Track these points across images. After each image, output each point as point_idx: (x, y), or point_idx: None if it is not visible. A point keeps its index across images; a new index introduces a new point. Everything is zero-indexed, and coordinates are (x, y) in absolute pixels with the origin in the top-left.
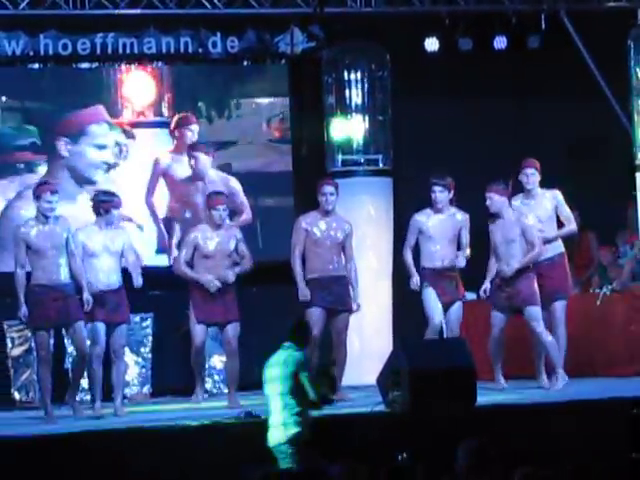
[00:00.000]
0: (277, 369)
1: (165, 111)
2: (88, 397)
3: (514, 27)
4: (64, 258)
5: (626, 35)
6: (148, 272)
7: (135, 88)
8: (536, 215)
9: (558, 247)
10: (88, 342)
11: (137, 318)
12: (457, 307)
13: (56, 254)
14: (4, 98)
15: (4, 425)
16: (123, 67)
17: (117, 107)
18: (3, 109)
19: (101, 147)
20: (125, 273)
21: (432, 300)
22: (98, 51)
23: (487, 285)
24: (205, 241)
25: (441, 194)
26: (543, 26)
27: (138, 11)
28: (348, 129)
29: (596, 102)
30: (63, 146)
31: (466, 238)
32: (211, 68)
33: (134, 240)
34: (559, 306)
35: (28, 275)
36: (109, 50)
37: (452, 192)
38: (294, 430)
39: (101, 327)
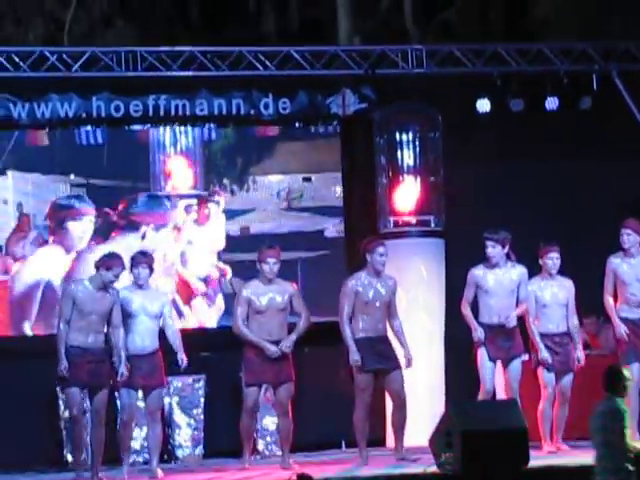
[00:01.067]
0: (598, 420)
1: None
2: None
3: (566, 88)
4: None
5: None
6: (200, 333)
7: (177, 166)
8: (636, 274)
9: None
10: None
11: (190, 379)
12: (516, 364)
13: (98, 320)
14: (72, 176)
15: None
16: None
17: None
18: (72, 185)
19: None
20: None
21: (485, 362)
22: (150, 113)
23: None
24: (258, 297)
25: (493, 249)
26: (595, 87)
27: (190, 73)
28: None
29: None
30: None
31: (525, 292)
32: (234, 149)
33: None
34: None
35: None
36: (161, 112)
37: (507, 247)
38: None
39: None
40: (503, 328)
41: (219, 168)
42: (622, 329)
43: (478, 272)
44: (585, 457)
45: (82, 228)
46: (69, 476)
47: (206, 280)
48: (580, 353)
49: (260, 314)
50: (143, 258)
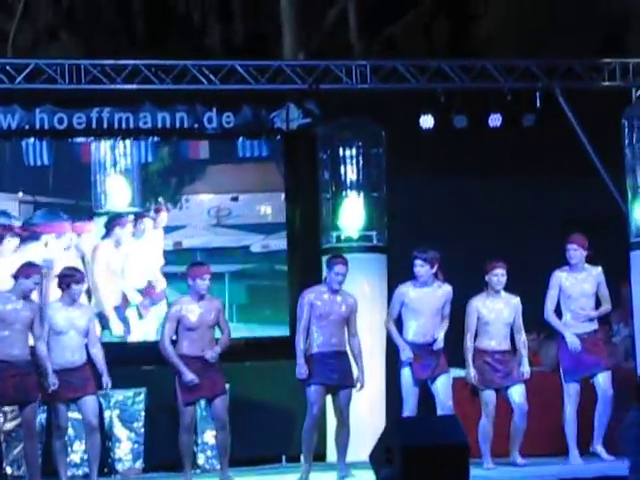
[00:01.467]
0: (632, 429)
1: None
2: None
3: (509, 105)
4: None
5: (620, 114)
6: (140, 347)
7: (116, 185)
8: (582, 289)
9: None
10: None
11: (130, 393)
12: (443, 381)
13: (21, 330)
14: (21, 193)
15: None
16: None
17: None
18: (21, 202)
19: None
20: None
21: (409, 383)
22: (94, 125)
23: None
24: (188, 313)
25: (422, 268)
26: (538, 104)
27: (134, 86)
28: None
29: (591, 180)
30: None
31: (446, 311)
32: (169, 170)
33: None
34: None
35: None
36: (105, 124)
37: (435, 267)
38: None
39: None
40: (428, 347)
41: (155, 187)
42: (576, 343)
43: (405, 289)
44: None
45: None
46: None
47: (143, 292)
48: (527, 368)
49: (192, 331)
50: (78, 275)
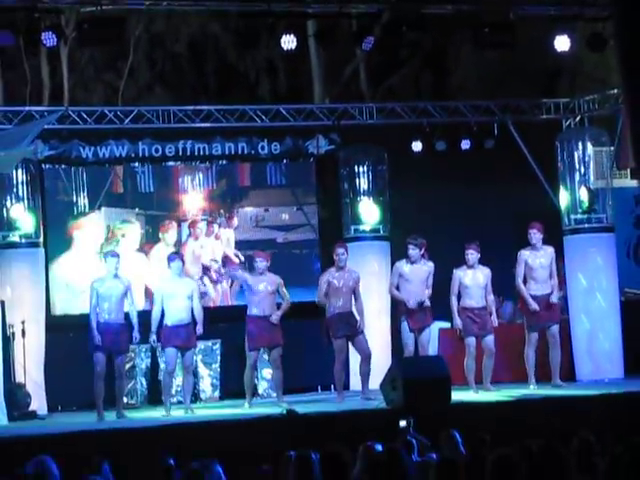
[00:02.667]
0: None
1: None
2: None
3: (475, 133)
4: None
5: (554, 138)
6: (217, 310)
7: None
8: (541, 262)
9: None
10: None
11: (210, 343)
12: (427, 331)
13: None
14: (137, 209)
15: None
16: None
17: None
18: (137, 214)
19: None
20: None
21: (406, 332)
22: (180, 153)
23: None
24: (253, 284)
25: (413, 251)
26: (496, 132)
27: (208, 125)
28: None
29: (535, 186)
30: None
31: (430, 281)
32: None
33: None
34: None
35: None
36: (188, 152)
37: (423, 249)
38: None
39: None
40: (420, 306)
41: (218, 203)
42: (534, 305)
43: (400, 265)
44: (499, 395)
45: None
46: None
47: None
48: (495, 319)
49: (257, 297)
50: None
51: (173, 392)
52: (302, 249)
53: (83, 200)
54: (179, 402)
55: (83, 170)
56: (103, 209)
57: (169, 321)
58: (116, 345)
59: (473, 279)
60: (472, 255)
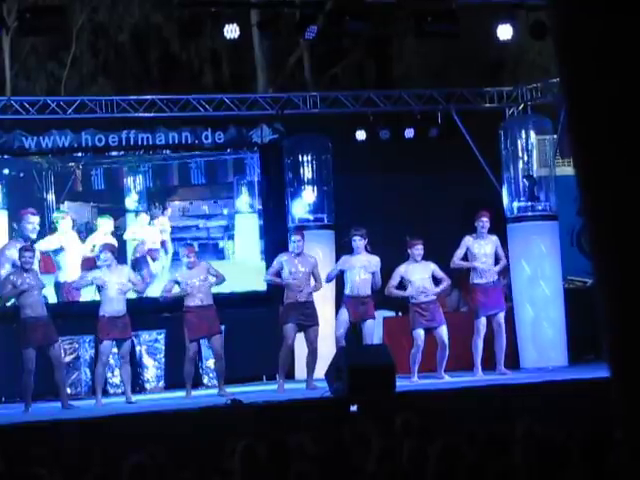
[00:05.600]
0: None
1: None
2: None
3: (419, 122)
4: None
5: (497, 127)
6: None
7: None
8: (485, 251)
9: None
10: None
11: (154, 333)
12: (369, 324)
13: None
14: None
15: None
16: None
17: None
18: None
19: None
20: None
21: (341, 319)
22: (124, 143)
23: None
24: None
25: (358, 242)
26: (439, 121)
27: (151, 114)
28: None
29: (478, 174)
30: None
31: (378, 276)
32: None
33: None
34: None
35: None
36: (131, 142)
37: (366, 240)
38: None
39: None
40: (360, 298)
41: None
42: (476, 264)
43: (346, 257)
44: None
45: None
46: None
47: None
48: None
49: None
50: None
51: (116, 382)
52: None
53: (50, 197)
54: (123, 393)
55: (50, 172)
56: (67, 203)
57: (106, 312)
58: (47, 337)
59: (420, 274)
60: (420, 250)
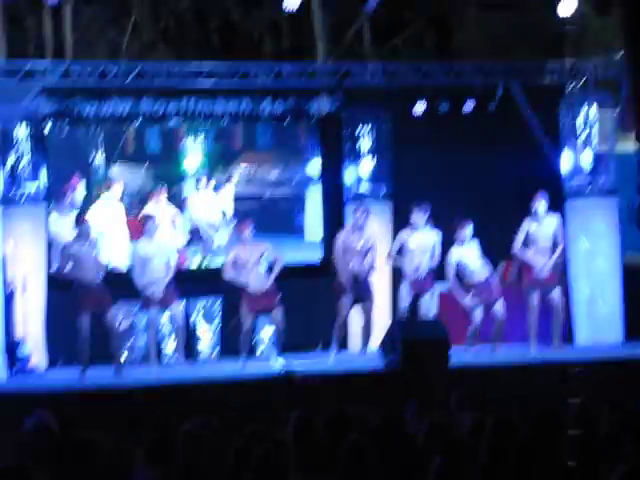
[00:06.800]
0: None
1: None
2: None
3: (478, 95)
4: None
5: (557, 102)
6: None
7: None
8: (544, 232)
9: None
10: None
11: (210, 300)
12: (426, 297)
13: None
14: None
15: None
16: None
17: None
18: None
19: None
20: None
21: (403, 296)
22: (183, 111)
23: None
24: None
25: (418, 215)
26: (499, 95)
27: (212, 82)
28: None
29: (536, 149)
30: None
31: (437, 250)
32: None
33: None
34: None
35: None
36: (191, 110)
37: (427, 214)
38: None
39: None
40: (418, 271)
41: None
42: (538, 266)
43: (405, 234)
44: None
45: None
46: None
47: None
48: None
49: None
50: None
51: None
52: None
53: (93, 156)
54: (177, 360)
55: (91, 125)
56: (117, 164)
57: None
58: (101, 304)
59: (471, 255)
60: (469, 232)
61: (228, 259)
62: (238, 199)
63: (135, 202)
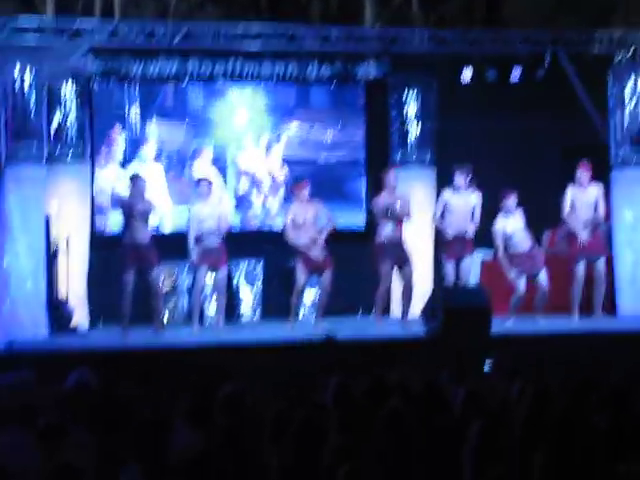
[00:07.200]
0: None
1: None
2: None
3: (526, 63)
4: None
5: (606, 72)
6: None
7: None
8: (587, 200)
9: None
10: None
11: (252, 262)
12: (467, 261)
13: None
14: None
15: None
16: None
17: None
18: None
19: None
20: None
21: (445, 262)
22: (230, 72)
23: None
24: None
25: (460, 177)
26: (547, 63)
27: (259, 44)
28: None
29: (583, 118)
30: None
31: (476, 213)
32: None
33: None
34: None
35: None
36: (237, 71)
37: (470, 176)
38: None
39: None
40: (461, 238)
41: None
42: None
43: (447, 194)
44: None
45: None
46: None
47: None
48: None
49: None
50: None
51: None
52: (348, 169)
53: (135, 113)
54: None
55: (134, 84)
56: (154, 120)
57: (198, 242)
58: (146, 261)
59: (515, 225)
60: (514, 202)
61: (287, 220)
62: (289, 162)
63: (174, 162)
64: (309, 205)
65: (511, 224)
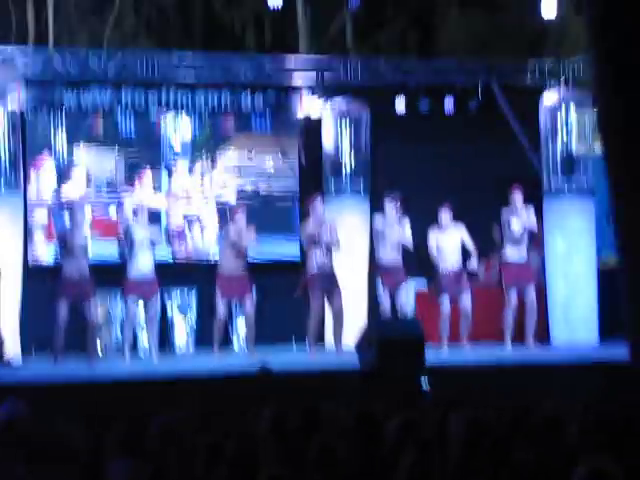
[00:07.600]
0: None
1: None
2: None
3: (459, 94)
4: None
5: (538, 101)
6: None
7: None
8: (523, 222)
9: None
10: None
11: (185, 291)
12: (402, 288)
13: None
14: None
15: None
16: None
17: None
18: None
19: None
20: None
21: (380, 290)
22: (163, 101)
23: None
24: None
25: (391, 204)
26: (480, 93)
27: (192, 72)
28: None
29: (514, 148)
30: None
31: (409, 239)
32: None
33: None
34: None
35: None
36: (171, 101)
37: (398, 203)
38: None
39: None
40: (395, 265)
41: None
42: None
43: (378, 221)
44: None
45: None
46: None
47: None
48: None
49: None
50: None
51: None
52: (283, 198)
53: (62, 142)
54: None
55: (67, 113)
56: (82, 146)
57: (131, 271)
58: (81, 293)
59: (449, 241)
60: (446, 215)
61: (225, 244)
62: (224, 190)
63: (104, 188)
64: (245, 229)
65: (443, 239)
